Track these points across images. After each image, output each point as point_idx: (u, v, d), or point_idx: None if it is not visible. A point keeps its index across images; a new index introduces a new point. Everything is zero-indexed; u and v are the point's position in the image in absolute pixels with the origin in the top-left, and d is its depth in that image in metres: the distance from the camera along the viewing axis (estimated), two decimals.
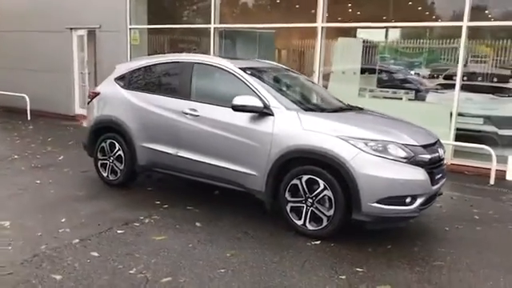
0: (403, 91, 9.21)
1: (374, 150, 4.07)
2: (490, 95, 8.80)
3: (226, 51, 9.93)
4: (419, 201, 4.15)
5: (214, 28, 9.73)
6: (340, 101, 5.52)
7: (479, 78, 8.77)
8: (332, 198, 4.16)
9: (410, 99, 9.01)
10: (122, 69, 5.91)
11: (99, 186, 5.81)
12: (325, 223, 4.23)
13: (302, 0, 9.56)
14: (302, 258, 3.89)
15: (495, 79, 9.22)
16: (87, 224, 4.50)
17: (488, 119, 8.52)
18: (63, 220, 4.57)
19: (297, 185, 4.35)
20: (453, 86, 9.28)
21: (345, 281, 3.52)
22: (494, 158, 6.76)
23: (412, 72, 10.33)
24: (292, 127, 4.40)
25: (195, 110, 4.97)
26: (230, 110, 4.71)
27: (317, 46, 8.64)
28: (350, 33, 9.16)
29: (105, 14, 10.89)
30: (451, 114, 7.92)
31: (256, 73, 5.06)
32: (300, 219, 4.36)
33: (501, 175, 6.89)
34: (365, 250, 4.11)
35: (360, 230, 4.28)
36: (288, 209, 4.43)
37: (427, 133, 4.72)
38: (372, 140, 4.12)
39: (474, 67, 8.73)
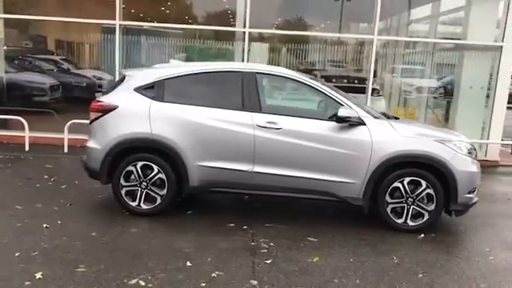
0: None
1: (460, 150, 4.86)
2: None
3: (130, 51, 8.98)
4: (476, 188, 5.16)
5: (120, 25, 8.67)
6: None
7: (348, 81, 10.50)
8: (433, 194, 4.76)
9: None
10: (148, 77, 4.99)
11: (127, 218, 4.84)
12: (426, 217, 4.81)
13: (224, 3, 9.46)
14: (438, 251, 4.43)
15: (356, 81, 11.15)
16: (219, 261, 3.90)
17: None
18: (189, 264, 3.81)
19: (397, 187, 4.78)
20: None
21: (496, 260, 4.26)
22: None
23: None
24: (390, 134, 4.78)
25: (274, 123, 4.76)
26: (315, 121, 4.85)
27: (244, 48, 8.77)
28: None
29: None
30: None
31: (324, 83, 5.16)
32: (400, 218, 4.82)
33: None
34: (456, 234, 4.93)
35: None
36: (389, 210, 4.82)
37: None
38: (455, 141, 4.91)
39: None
